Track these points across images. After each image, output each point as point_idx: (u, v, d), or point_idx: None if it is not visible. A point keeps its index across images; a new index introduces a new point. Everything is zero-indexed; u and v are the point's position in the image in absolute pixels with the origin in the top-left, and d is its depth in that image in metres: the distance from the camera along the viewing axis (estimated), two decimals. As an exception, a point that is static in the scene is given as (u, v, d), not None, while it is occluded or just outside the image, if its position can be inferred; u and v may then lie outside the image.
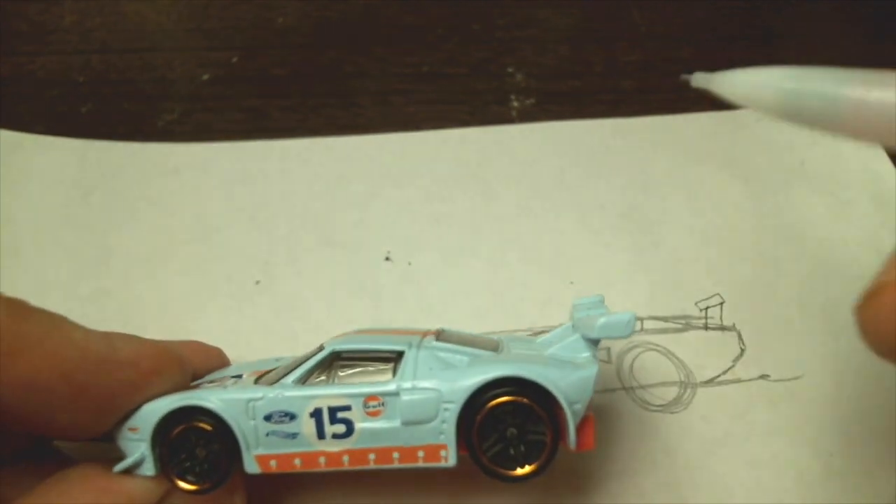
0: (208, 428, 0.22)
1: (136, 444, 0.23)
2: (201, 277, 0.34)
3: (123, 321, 0.33)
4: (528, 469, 0.22)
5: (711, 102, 0.42)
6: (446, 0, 0.49)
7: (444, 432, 0.22)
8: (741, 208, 0.37)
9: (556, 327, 0.26)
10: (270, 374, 0.25)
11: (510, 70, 0.45)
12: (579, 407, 0.22)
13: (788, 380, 0.31)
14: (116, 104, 0.42)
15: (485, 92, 0.43)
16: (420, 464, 0.22)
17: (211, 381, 0.25)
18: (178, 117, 0.41)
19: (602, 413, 0.30)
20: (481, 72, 0.44)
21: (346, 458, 0.22)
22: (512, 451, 0.22)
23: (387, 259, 0.35)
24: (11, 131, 0.39)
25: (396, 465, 0.22)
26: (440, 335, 0.25)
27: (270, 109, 0.42)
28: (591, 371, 0.23)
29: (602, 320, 0.23)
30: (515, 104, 0.43)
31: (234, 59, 0.45)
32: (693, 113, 0.41)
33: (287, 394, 0.22)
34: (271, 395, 0.22)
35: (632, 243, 0.35)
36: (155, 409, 0.22)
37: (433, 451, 0.22)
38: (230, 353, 0.31)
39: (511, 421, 0.22)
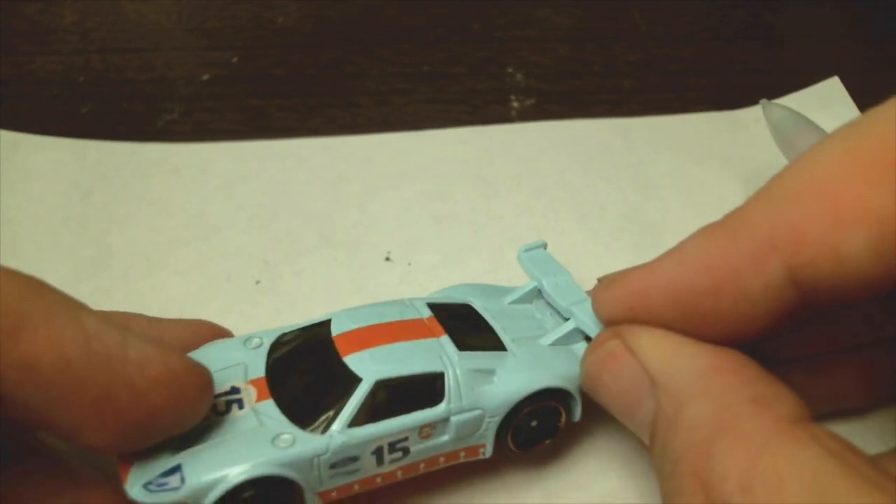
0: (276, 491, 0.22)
1: None
2: (201, 277, 0.34)
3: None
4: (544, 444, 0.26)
5: (711, 102, 0.43)
6: (446, 0, 0.49)
7: (486, 436, 0.24)
8: (741, 208, 0.36)
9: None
10: (302, 402, 0.23)
11: (510, 70, 0.45)
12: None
13: (788, 380, 0.31)
14: (116, 104, 0.42)
15: (485, 92, 0.43)
16: (461, 460, 0.24)
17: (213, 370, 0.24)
18: (178, 117, 0.41)
19: (602, 414, 0.30)
20: (481, 72, 0.45)
21: (399, 472, 0.24)
22: (534, 436, 0.25)
23: (387, 259, 0.35)
24: (11, 131, 0.39)
25: (441, 465, 0.24)
26: (455, 338, 0.25)
27: (270, 109, 0.42)
28: None
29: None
30: (515, 104, 0.43)
31: (234, 59, 0.45)
32: (693, 113, 0.41)
33: (352, 443, 0.22)
34: (334, 446, 0.22)
35: (632, 243, 0.35)
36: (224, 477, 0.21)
37: (474, 449, 0.24)
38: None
39: (535, 415, 0.25)
